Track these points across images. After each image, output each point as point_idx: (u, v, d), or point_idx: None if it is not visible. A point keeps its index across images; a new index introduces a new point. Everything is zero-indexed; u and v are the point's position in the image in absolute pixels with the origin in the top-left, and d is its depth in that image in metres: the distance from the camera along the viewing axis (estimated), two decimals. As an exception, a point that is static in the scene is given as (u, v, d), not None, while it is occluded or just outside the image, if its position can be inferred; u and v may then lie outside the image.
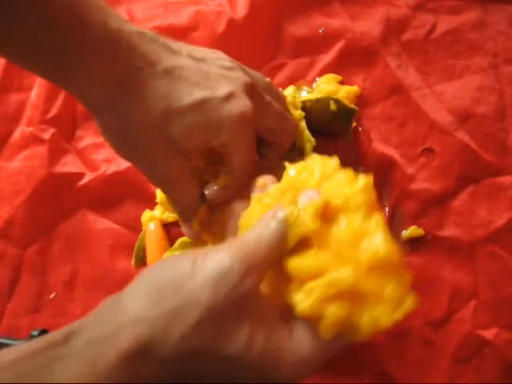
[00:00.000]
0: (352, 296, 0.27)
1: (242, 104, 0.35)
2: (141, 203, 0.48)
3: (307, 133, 0.43)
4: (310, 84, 0.51)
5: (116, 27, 0.33)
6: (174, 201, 0.39)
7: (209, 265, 0.27)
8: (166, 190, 0.39)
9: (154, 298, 0.27)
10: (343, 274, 0.27)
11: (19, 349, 0.27)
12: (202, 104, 0.34)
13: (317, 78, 0.51)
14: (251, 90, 0.36)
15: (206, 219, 0.38)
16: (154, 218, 0.47)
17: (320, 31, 0.53)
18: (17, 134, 0.51)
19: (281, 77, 0.52)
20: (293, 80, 0.52)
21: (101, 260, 0.48)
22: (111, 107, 0.34)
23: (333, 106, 0.46)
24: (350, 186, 0.31)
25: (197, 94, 0.34)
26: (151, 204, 0.48)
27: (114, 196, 0.49)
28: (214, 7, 0.53)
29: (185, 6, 0.54)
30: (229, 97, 0.35)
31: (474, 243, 0.46)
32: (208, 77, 0.36)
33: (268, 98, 0.38)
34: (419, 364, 0.43)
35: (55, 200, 0.49)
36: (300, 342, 0.29)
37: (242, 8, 0.53)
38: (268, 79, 0.41)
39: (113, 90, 0.34)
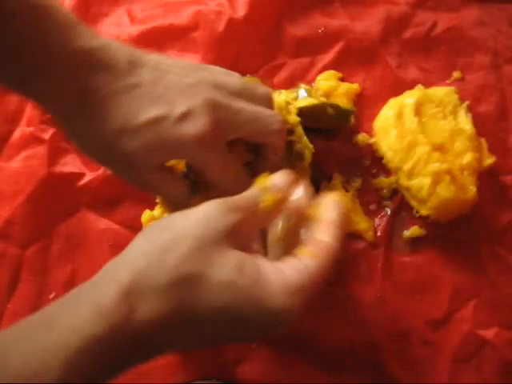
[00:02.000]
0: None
1: (198, 124, 0.35)
2: (141, 203, 0.48)
3: (305, 139, 0.42)
4: (309, 84, 0.51)
5: (79, 47, 0.33)
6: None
7: (198, 209, 0.32)
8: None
9: (150, 237, 0.31)
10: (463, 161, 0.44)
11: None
12: (156, 122, 0.34)
13: (317, 78, 0.51)
14: (213, 105, 0.35)
15: None
16: (153, 217, 0.47)
17: (320, 31, 0.53)
18: (17, 134, 0.51)
19: (281, 77, 0.52)
20: (293, 80, 0.52)
21: (101, 260, 0.47)
22: (72, 124, 0.35)
23: (330, 111, 0.46)
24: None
25: (152, 112, 0.34)
26: (151, 204, 0.47)
27: (114, 196, 0.49)
28: (214, 7, 0.53)
29: (185, 6, 0.54)
30: (185, 116, 0.35)
31: (474, 243, 0.46)
32: (167, 94, 0.35)
33: (238, 104, 0.37)
34: (419, 364, 0.43)
35: (55, 200, 0.49)
36: (288, 272, 0.30)
37: (242, 8, 0.53)
38: (243, 81, 0.39)
39: (73, 108, 0.34)
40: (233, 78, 0.39)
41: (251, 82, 0.40)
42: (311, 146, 0.42)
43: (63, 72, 0.33)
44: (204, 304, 0.29)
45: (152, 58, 0.37)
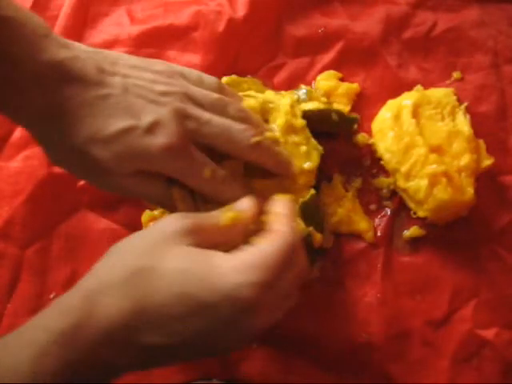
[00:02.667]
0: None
1: (165, 134, 0.35)
2: (141, 203, 0.48)
3: (313, 141, 0.42)
4: (309, 84, 0.51)
5: (47, 58, 0.33)
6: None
7: (159, 220, 0.36)
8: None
9: (114, 246, 0.34)
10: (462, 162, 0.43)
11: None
12: (125, 133, 0.35)
13: (317, 78, 0.51)
14: (182, 114, 0.36)
15: (185, 195, 0.38)
16: (154, 217, 0.47)
17: (320, 31, 0.53)
18: (17, 134, 0.51)
19: (281, 77, 0.52)
20: (293, 80, 0.52)
21: (101, 260, 0.48)
22: (43, 135, 0.36)
23: (334, 117, 0.46)
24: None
25: (121, 123, 0.35)
26: (151, 204, 0.48)
27: (114, 196, 0.49)
28: (214, 7, 0.53)
29: (185, 6, 0.54)
30: (153, 127, 0.35)
31: (474, 243, 0.46)
32: (136, 104, 0.35)
33: (206, 116, 0.37)
34: (419, 364, 0.43)
35: (55, 200, 0.49)
36: (241, 255, 0.32)
37: (242, 8, 0.52)
38: (215, 94, 0.39)
39: (43, 120, 0.35)
40: (205, 90, 0.39)
41: (224, 97, 0.39)
42: (320, 147, 0.42)
43: (33, 84, 0.33)
44: (160, 294, 0.30)
45: (124, 63, 0.37)
